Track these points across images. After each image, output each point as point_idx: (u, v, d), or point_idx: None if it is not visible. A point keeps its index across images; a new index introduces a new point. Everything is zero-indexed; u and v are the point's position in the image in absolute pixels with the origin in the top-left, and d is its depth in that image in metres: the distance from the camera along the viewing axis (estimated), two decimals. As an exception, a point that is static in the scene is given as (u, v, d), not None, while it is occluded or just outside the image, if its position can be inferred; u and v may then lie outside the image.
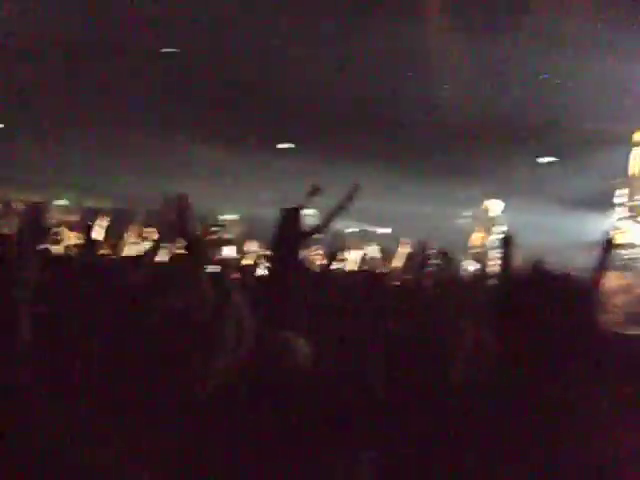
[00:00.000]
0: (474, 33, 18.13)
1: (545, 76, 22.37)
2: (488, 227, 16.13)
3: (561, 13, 18.32)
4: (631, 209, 14.75)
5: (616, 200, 15.10)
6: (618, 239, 14.48)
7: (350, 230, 18.07)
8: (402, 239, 12.80)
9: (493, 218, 16.09)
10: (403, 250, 11.26)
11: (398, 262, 10.83)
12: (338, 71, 18.55)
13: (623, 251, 14.54)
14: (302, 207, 7.45)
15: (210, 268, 5.17)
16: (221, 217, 18.70)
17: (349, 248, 14.66)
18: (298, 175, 14.83)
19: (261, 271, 9.78)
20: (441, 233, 16.52)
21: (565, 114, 19.55)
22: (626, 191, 15.07)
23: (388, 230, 19.96)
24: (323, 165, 16.14)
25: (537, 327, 2.40)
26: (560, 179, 19.13)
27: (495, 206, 16.25)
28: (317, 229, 7.45)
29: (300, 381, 3.33)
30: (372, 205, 18.19)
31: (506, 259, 5.02)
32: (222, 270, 7.28)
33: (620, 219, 14.76)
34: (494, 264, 12.45)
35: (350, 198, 7.59)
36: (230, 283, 3.97)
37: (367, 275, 8.33)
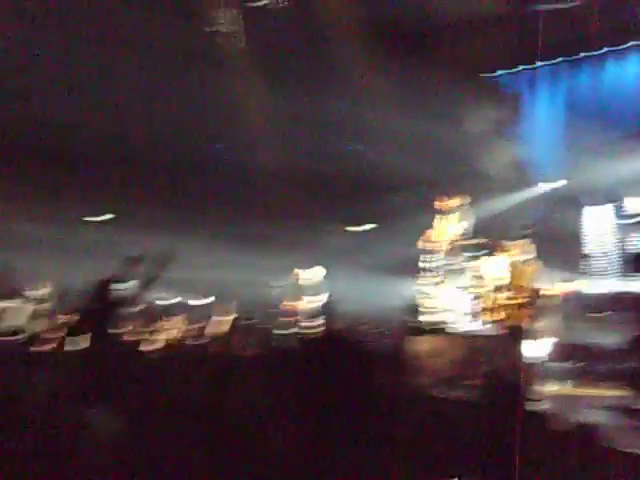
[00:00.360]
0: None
1: (349, 148, 23.17)
2: (299, 295, 16.20)
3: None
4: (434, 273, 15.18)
5: (421, 264, 15.51)
6: (423, 304, 14.92)
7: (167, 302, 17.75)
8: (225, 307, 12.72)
9: (305, 286, 16.19)
10: (227, 318, 11.15)
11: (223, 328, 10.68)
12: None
13: (433, 315, 14.94)
14: (114, 279, 7.18)
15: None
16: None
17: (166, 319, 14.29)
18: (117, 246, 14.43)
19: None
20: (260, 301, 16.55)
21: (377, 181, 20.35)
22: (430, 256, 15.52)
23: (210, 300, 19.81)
24: (144, 235, 15.86)
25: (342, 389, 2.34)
26: (379, 245, 19.67)
27: (308, 274, 16.36)
28: (127, 301, 7.20)
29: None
30: (190, 275, 18.12)
31: (326, 325, 5.03)
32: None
33: (425, 284, 15.16)
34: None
35: (161, 268, 7.38)
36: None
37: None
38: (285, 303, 16.68)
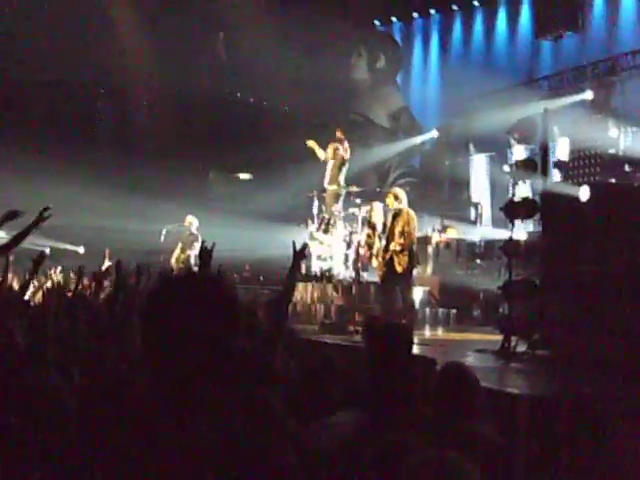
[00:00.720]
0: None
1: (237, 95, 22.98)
2: (188, 243, 16.00)
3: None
4: (324, 221, 15.28)
5: (314, 212, 15.58)
6: (314, 249, 14.97)
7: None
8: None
9: (193, 234, 15.99)
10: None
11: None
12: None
13: (320, 262, 15.04)
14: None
15: None
16: None
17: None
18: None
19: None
20: (140, 249, 16.35)
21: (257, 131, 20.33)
22: (317, 204, 15.59)
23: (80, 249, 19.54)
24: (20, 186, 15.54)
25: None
26: (256, 194, 19.68)
27: (192, 221, 16.17)
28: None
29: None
30: (66, 223, 17.73)
31: (201, 265, 4.99)
32: None
33: (317, 231, 15.24)
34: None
35: (40, 219, 7.26)
36: None
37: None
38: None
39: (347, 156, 15.34)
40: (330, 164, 15.41)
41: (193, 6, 21.28)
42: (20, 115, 20.67)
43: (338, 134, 15.42)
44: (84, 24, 20.47)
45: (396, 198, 11.86)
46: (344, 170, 15.26)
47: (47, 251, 8.82)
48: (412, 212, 11.77)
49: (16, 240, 7.33)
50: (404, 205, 11.81)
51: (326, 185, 15.46)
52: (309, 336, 11.35)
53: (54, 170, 17.90)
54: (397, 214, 11.78)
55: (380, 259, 11.96)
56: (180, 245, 15.92)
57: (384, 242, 12.02)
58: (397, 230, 11.63)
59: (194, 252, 15.37)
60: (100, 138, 23.22)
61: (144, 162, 20.48)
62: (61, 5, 20.01)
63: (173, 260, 15.83)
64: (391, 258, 11.65)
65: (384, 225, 13.28)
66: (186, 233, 15.94)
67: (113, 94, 23.38)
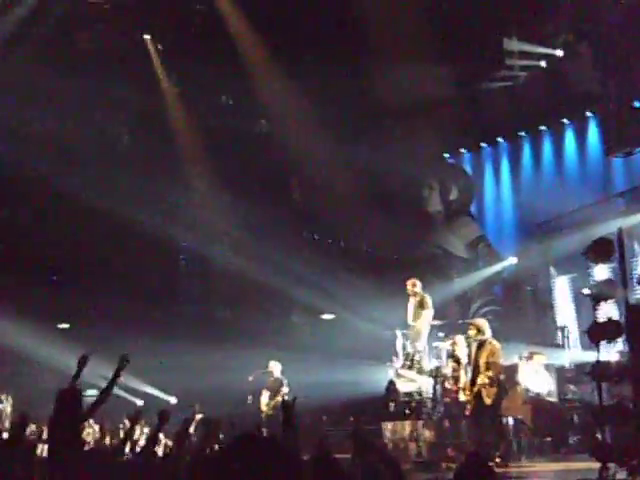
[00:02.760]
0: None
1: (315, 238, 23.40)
2: (275, 388, 16.06)
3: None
4: (409, 357, 15.20)
5: (398, 348, 15.56)
6: (401, 386, 14.85)
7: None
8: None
9: (277, 379, 16.08)
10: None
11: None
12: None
13: (407, 399, 14.88)
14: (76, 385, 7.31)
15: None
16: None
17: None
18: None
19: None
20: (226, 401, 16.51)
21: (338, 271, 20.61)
22: (401, 341, 15.55)
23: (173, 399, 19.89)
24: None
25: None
26: (339, 334, 19.75)
27: (275, 367, 16.27)
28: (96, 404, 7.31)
29: None
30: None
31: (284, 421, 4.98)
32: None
33: (402, 367, 15.15)
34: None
35: (120, 369, 7.56)
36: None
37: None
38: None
39: (426, 296, 15.38)
40: (412, 300, 15.46)
41: (264, 154, 22.06)
42: (107, 268, 21.43)
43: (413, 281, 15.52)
44: (167, 188, 21.28)
45: (478, 330, 11.87)
46: (426, 306, 15.26)
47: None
48: (496, 342, 11.72)
49: (105, 396, 7.56)
50: (487, 335, 11.79)
51: (409, 322, 15.46)
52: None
53: (137, 324, 18.41)
54: (481, 345, 11.74)
55: (468, 392, 11.86)
56: (267, 391, 15.96)
57: (470, 375, 11.96)
58: (482, 361, 11.59)
59: (283, 395, 15.47)
60: (182, 290, 23.78)
61: (226, 309, 20.90)
62: (139, 169, 20.95)
63: (263, 407, 15.84)
64: (479, 391, 11.56)
65: (469, 357, 13.24)
66: (271, 379, 16.02)
67: (193, 245, 24.07)
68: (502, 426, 12.05)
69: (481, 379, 11.55)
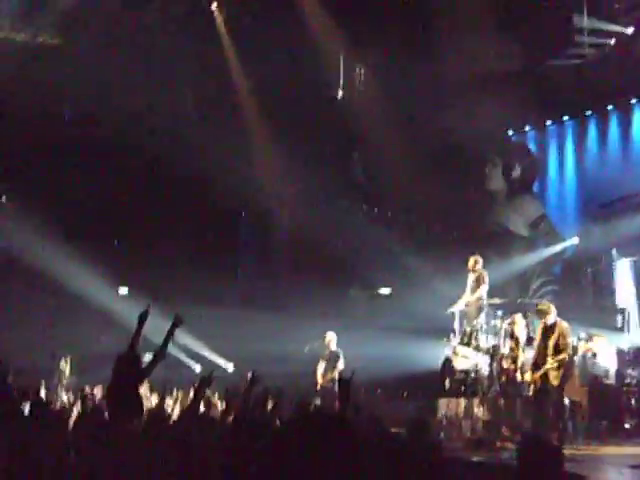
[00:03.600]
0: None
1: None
2: (332, 360, 16.14)
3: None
4: (466, 334, 15.19)
5: (455, 325, 15.56)
6: (458, 363, 14.86)
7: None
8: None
9: (332, 351, 16.16)
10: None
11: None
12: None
13: (463, 376, 14.89)
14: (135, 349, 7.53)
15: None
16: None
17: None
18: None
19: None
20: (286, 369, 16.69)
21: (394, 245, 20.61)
22: (459, 318, 15.55)
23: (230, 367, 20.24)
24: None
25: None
26: (396, 309, 19.79)
27: (332, 338, 16.35)
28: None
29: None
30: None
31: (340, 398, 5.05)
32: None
33: (459, 344, 15.16)
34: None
35: (174, 328, 7.77)
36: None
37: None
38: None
39: (485, 273, 15.36)
40: (470, 277, 15.45)
41: (327, 128, 22.06)
42: (167, 242, 21.76)
43: (476, 258, 15.50)
44: (227, 150, 21.47)
45: (546, 311, 11.88)
46: (483, 281, 15.23)
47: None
48: (565, 323, 11.74)
49: (159, 357, 7.74)
50: (554, 317, 11.82)
51: (466, 297, 15.46)
52: (455, 453, 11.18)
53: (201, 292, 18.69)
54: (550, 327, 11.75)
55: (533, 374, 11.88)
56: (323, 362, 16.04)
57: (533, 355, 11.99)
58: (551, 343, 11.60)
59: (339, 369, 15.58)
60: (243, 260, 24.02)
61: (286, 283, 21.11)
62: (206, 134, 21.15)
63: (319, 378, 15.95)
64: (546, 373, 11.61)
65: (529, 337, 13.24)
66: (327, 351, 16.10)
67: (255, 217, 24.24)
68: (563, 408, 12.05)
69: (550, 362, 11.58)
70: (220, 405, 14.29)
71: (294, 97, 21.47)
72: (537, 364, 11.87)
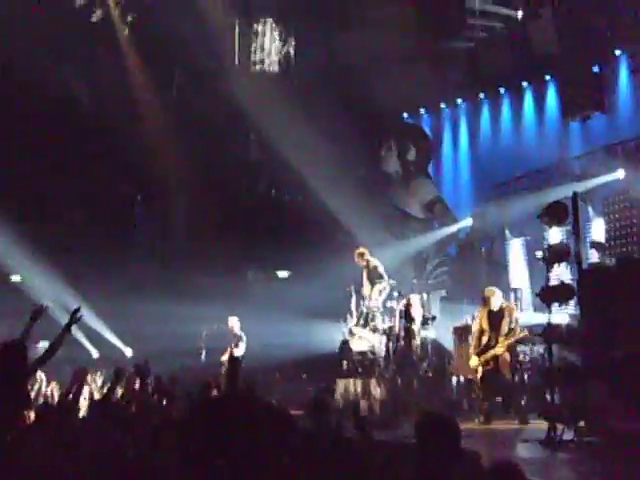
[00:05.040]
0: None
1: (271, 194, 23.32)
2: (235, 343, 16.09)
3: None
4: (362, 315, 15.24)
5: (352, 307, 15.58)
6: (354, 345, 14.88)
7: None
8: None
9: (236, 335, 16.10)
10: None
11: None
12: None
13: (360, 357, 14.92)
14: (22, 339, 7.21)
15: None
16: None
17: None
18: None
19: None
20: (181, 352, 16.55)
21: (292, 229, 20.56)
22: (355, 300, 15.58)
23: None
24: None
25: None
26: (294, 291, 19.77)
27: (234, 323, 16.28)
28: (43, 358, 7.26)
29: None
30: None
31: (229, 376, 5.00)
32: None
33: (356, 325, 15.19)
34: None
35: (71, 324, 7.51)
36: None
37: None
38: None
39: (376, 261, 15.37)
40: (364, 271, 15.41)
41: (223, 108, 21.78)
42: (59, 225, 21.17)
43: (360, 251, 15.47)
44: (119, 133, 21.03)
45: (491, 298, 12.10)
46: (379, 271, 15.25)
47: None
48: (513, 305, 12.02)
49: (53, 350, 7.47)
50: (501, 301, 12.06)
51: (365, 291, 15.45)
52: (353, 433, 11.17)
53: (95, 275, 18.28)
54: (500, 311, 11.96)
55: (480, 357, 12.06)
56: (228, 347, 15.98)
57: (475, 339, 12.18)
58: (504, 327, 11.83)
59: (241, 352, 15.56)
60: (139, 243, 23.57)
61: (182, 264, 20.81)
62: (95, 113, 20.69)
63: (225, 358, 15.84)
64: (497, 355, 11.85)
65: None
66: (231, 334, 16.04)
67: (150, 198, 23.82)
68: (514, 388, 12.27)
69: (501, 347, 11.78)
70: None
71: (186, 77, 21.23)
72: (487, 347, 12.04)
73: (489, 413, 12.04)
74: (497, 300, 12.27)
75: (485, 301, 12.45)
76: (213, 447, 2.33)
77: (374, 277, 15.10)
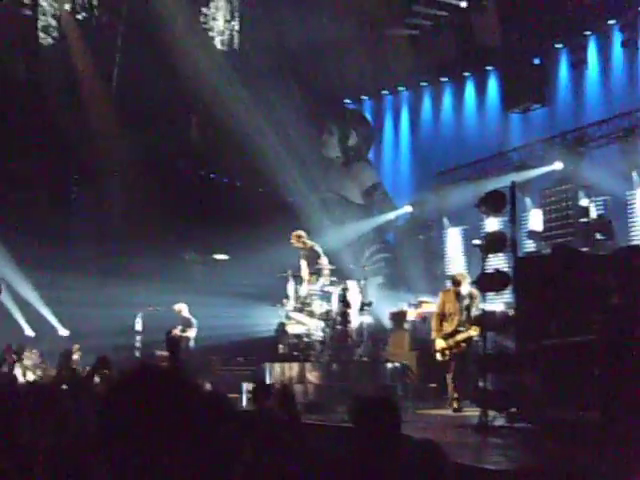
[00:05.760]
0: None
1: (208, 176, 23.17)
2: (184, 328, 16.03)
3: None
4: (299, 300, 15.24)
5: (289, 291, 15.55)
6: (291, 328, 14.87)
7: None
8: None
9: (185, 318, 16.04)
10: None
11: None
12: None
13: (296, 341, 14.92)
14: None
15: None
16: None
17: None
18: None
19: None
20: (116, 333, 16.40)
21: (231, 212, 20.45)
22: (293, 284, 15.55)
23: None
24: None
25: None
26: (232, 275, 19.70)
27: (182, 308, 16.21)
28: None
29: None
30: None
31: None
32: None
33: (293, 310, 15.18)
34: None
35: None
36: None
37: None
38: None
39: (314, 245, 15.35)
40: (302, 253, 15.37)
41: (164, 91, 21.52)
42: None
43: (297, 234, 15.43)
44: (55, 115, 20.67)
45: (461, 282, 12.05)
46: (318, 253, 15.23)
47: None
48: (477, 291, 11.94)
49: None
50: (469, 287, 12.02)
51: (303, 274, 15.42)
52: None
53: (31, 254, 17.96)
54: (468, 295, 11.91)
55: (447, 340, 12.00)
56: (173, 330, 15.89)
57: (442, 323, 12.09)
58: (472, 312, 11.78)
59: (192, 334, 15.51)
60: (75, 225, 23.20)
61: (119, 246, 20.55)
62: (31, 96, 20.30)
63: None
64: (465, 339, 11.84)
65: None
66: (180, 319, 15.95)
67: (87, 181, 23.45)
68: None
69: (475, 331, 11.65)
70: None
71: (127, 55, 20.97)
72: (456, 331, 11.94)
73: (459, 398, 11.92)
74: (466, 284, 12.20)
75: (455, 284, 12.31)
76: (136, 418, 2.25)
77: (313, 259, 15.08)
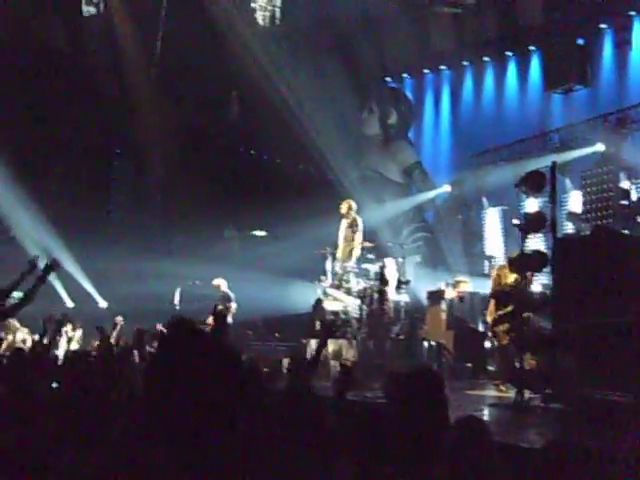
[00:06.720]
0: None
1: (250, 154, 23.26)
2: (223, 303, 16.14)
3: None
4: (337, 276, 15.33)
5: (327, 268, 15.66)
6: (328, 305, 14.98)
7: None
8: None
9: (224, 293, 16.17)
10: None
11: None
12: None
13: (333, 317, 15.02)
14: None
15: None
16: None
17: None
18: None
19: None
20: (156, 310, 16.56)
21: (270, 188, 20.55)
22: (330, 261, 15.65)
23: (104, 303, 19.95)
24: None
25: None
26: (270, 251, 19.83)
27: (220, 283, 16.33)
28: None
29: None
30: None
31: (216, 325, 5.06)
32: None
33: (330, 287, 15.28)
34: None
35: (50, 271, 7.52)
36: None
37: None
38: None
39: (359, 219, 15.46)
40: (344, 222, 15.56)
41: (206, 66, 21.62)
42: (37, 177, 20.95)
43: (350, 203, 15.57)
44: (98, 87, 20.87)
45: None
46: (357, 228, 15.34)
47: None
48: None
49: (27, 300, 7.48)
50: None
51: (339, 242, 15.57)
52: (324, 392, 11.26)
53: (72, 226, 18.20)
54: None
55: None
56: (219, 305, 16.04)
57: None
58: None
59: (232, 309, 15.68)
60: (115, 198, 23.47)
61: (159, 223, 20.77)
62: (75, 67, 20.51)
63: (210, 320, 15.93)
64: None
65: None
66: (219, 294, 16.08)
67: (128, 155, 23.68)
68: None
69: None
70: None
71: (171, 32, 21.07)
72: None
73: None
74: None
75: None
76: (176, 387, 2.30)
77: (352, 233, 15.22)
